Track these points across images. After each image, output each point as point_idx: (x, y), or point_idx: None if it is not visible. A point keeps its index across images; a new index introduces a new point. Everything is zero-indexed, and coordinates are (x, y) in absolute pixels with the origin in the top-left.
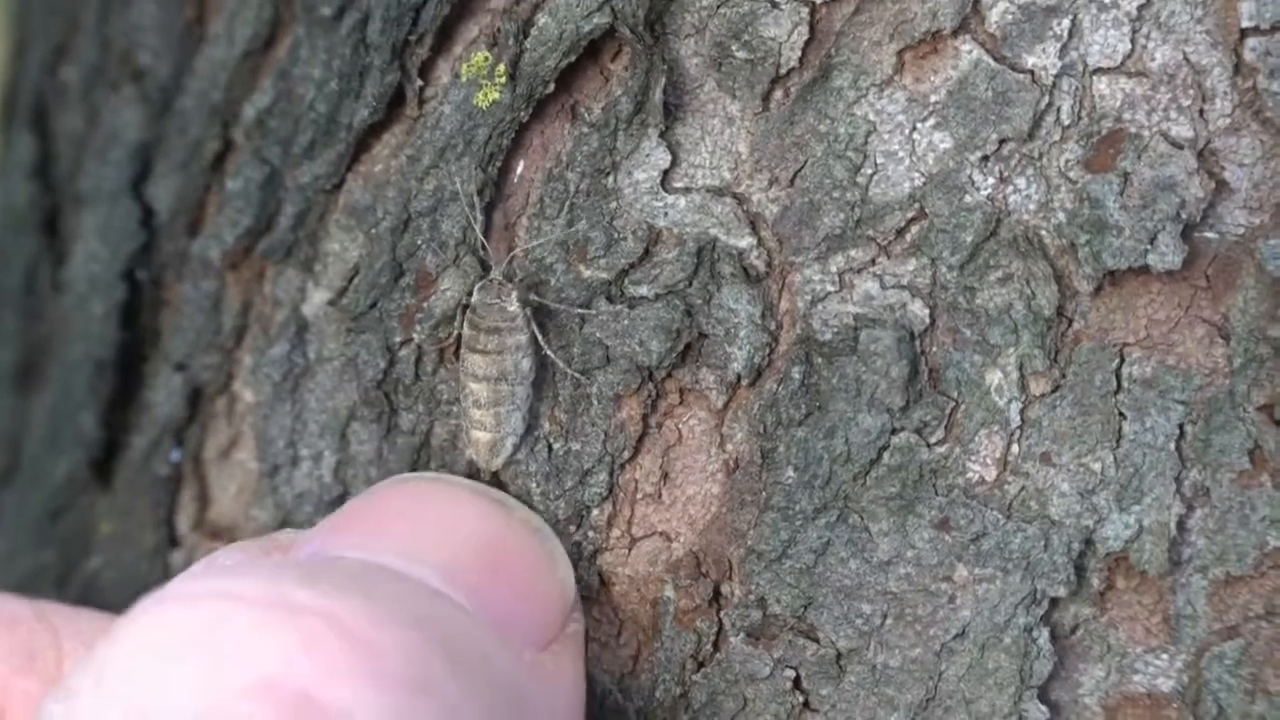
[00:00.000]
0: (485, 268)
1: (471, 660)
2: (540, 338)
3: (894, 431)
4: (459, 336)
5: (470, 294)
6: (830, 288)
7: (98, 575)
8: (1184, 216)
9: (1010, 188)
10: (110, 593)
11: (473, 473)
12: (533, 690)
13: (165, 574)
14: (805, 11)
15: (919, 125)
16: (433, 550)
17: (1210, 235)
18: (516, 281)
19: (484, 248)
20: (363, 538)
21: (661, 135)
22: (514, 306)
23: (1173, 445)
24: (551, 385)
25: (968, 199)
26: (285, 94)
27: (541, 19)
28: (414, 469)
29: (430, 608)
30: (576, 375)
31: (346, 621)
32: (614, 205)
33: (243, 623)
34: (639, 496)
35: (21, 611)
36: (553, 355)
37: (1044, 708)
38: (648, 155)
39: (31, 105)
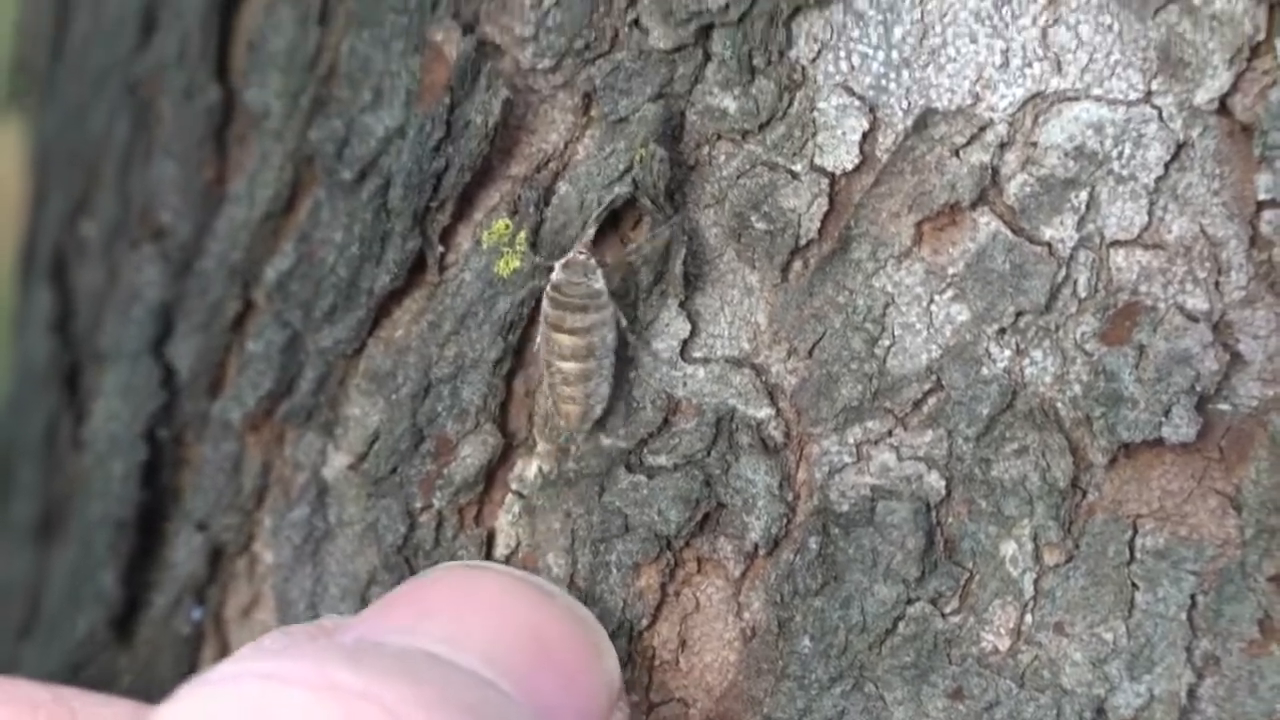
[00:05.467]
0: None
1: None
2: (621, 315)
3: (909, 602)
4: (541, 316)
5: (551, 272)
6: (847, 459)
7: None
8: (1198, 389)
9: (1026, 360)
10: None
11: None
12: None
13: None
14: (825, 183)
15: (937, 297)
16: (478, 637)
17: (1224, 407)
18: (597, 256)
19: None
20: (408, 622)
21: (681, 305)
22: (600, 284)
23: (1184, 615)
24: (571, 552)
25: (984, 371)
26: (306, 257)
27: (562, 187)
28: None
29: (477, 694)
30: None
31: (393, 705)
32: (633, 374)
33: (289, 705)
34: (657, 663)
35: (40, 695)
36: (629, 333)
37: None
38: (667, 325)
39: (51, 259)
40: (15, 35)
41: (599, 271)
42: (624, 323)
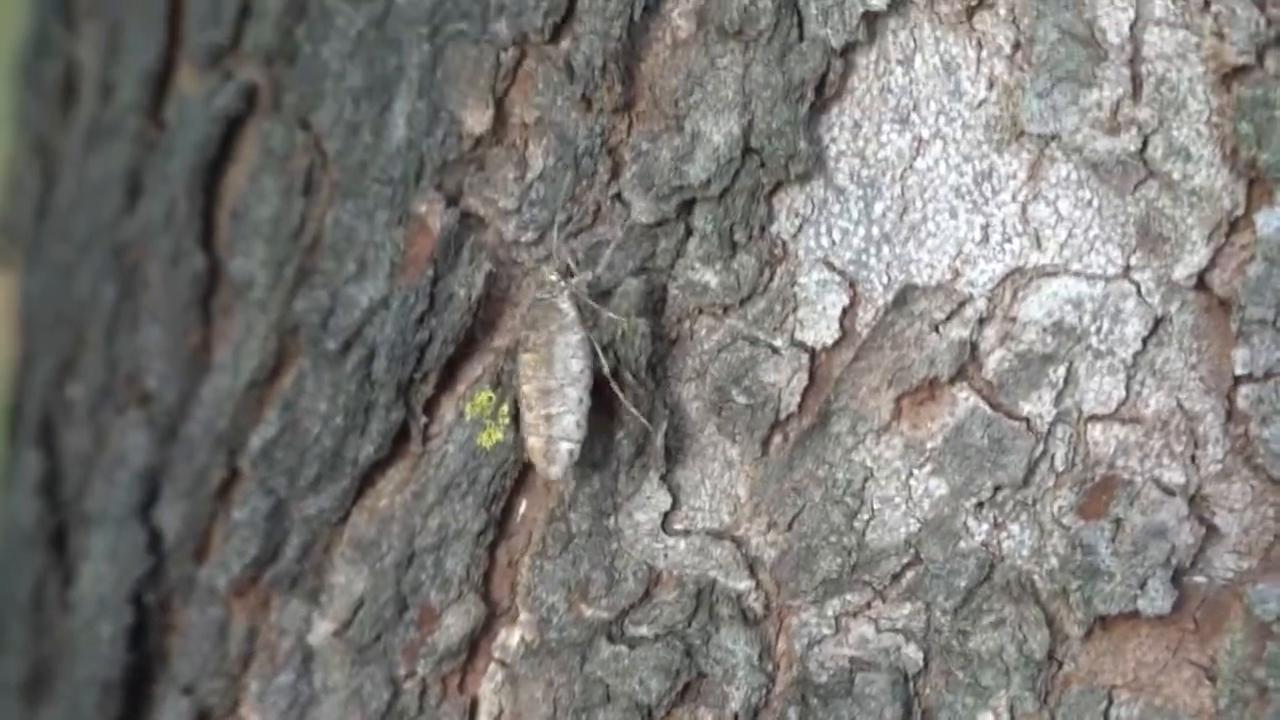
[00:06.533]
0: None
1: None
2: (595, 343)
3: None
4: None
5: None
6: (826, 631)
7: None
8: (1174, 562)
9: (1004, 533)
10: None
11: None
12: None
13: None
14: (805, 358)
15: (915, 471)
16: None
17: (1199, 579)
18: (571, 281)
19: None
20: None
21: (663, 478)
22: (565, 304)
23: None
24: None
25: (962, 545)
26: (291, 426)
27: None
28: None
29: None
30: (633, 377)
31: None
32: (615, 546)
33: None
34: None
35: None
36: (603, 358)
37: None
38: (649, 497)
39: (38, 420)
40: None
41: (566, 293)
42: (600, 360)
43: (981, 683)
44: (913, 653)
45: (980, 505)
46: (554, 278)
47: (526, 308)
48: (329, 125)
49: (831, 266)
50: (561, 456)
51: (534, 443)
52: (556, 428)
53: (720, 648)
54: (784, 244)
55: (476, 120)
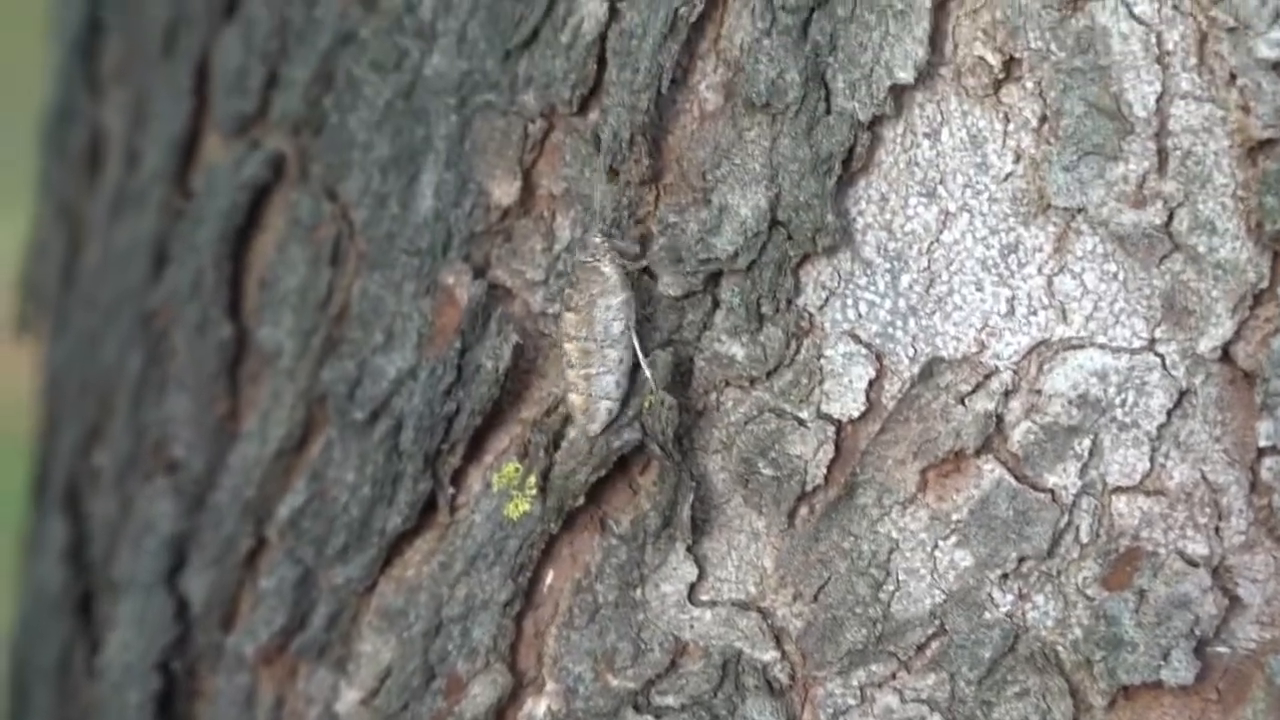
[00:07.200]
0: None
1: None
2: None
3: None
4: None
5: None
6: (851, 701)
7: None
8: (1197, 633)
9: (1029, 605)
10: None
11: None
12: None
13: None
14: (831, 430)
15: (940, 543)
16: None
17: (1222, 649)
18: (617, 243)
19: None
20: None
21: (689, 549)
22: (608, 268)
23: None
24: None
25: (987, 616)
26: (318, 495)
27: (571, 432)
28: None
29: None
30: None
31: None
32: (641, 617)
33: None
34: None
35: None
36: (638, 348)
37: None
38: (675, 568)
39: (64, 487)
40: (24, 260)
41: (609, 256)
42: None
43: None
44: None
45: (1005, 577)
46: (598, 240)
47: (570, 267)
48: (356, 196)
49: (858, 339)
50: (601, 415)
51: (575, 399)
52: (596, 386)
53: (746, 718)
54: (810, 316)
55: (504, 191)
